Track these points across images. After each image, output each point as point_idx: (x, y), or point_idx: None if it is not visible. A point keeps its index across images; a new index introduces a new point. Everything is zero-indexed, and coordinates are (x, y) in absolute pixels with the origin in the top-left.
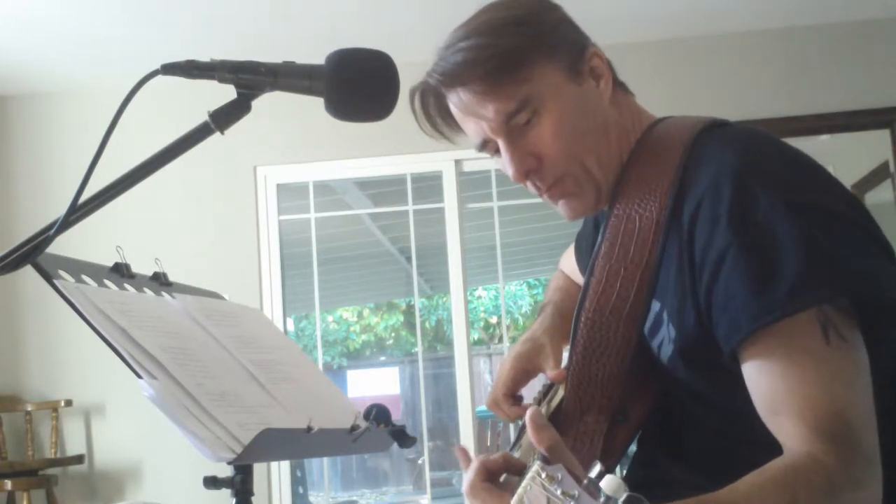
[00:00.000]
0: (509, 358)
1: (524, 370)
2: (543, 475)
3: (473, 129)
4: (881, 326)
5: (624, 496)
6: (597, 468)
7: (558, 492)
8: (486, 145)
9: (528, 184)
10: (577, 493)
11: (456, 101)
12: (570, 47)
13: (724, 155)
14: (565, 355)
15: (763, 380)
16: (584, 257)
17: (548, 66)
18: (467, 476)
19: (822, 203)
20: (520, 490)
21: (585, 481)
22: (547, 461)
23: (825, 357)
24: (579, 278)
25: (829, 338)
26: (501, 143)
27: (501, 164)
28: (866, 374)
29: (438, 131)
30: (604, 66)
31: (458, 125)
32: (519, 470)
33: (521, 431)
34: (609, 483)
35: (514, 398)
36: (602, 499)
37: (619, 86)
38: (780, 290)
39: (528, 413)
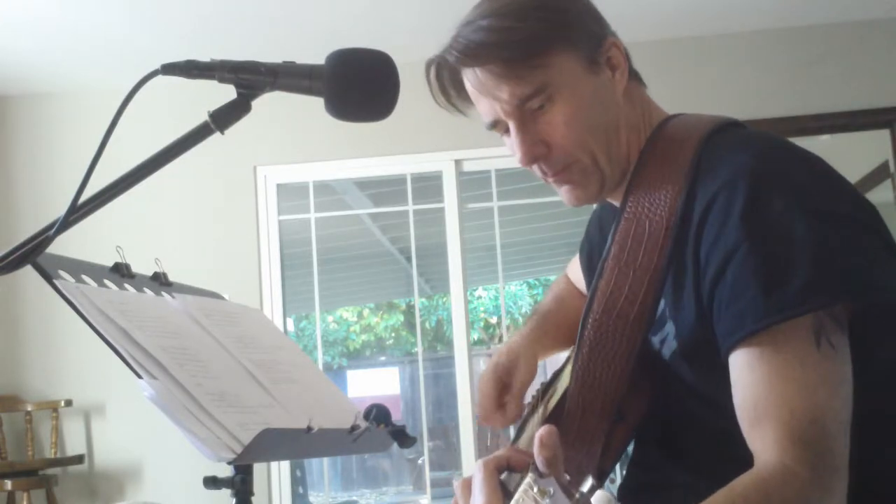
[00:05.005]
0: (489, 370)
1: (502, 382)
2: (535, 489)
3: (486, 108)
4: (881, 333)
5: None
6: (588, 483)
7: None
8: (497, 125)
9: (535, 168)
10: None
11: (472, 78)
12: (591, 36)
13: (740, 157)
14: (562, 356)
15: (748, 377)
16: (586, 263)
17: (567, 54)
18: (490, 456)
19: (835, 208)
20: (512, 503)
21: (577, 496)
22: (540, 474)
23: (814, 363)
24: (583, 287)
25: (820, 344)
26: (513, 127)
27: (510, 146)
28: (849, 384)
29: (452, 104)
30: (621, 58)
31: (471, 100)
32: (523, 465)
33: (519, 432)
34: (599, 499)
35: (502, 407)
36: None
37: (633, 76)
38: (786, 293)
39: (541, 432)
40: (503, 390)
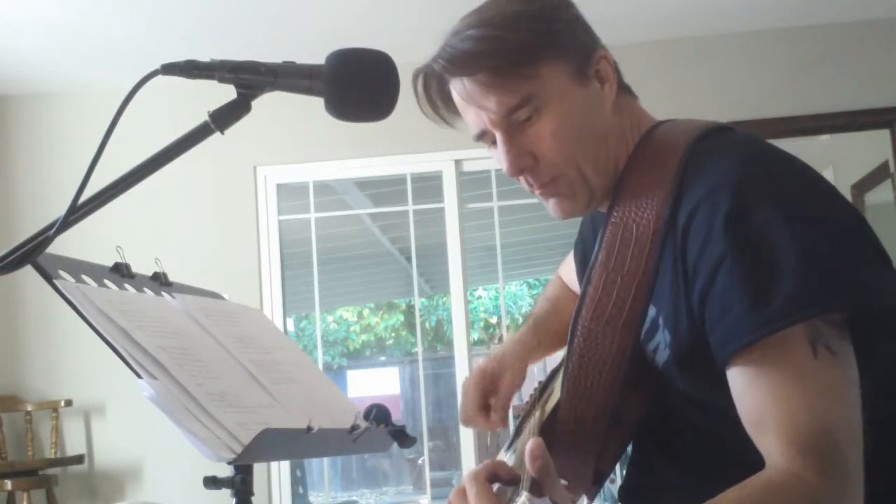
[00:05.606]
0: (476, 373)
1: (486, 389)
2: None
3: (473, 118)
4: (880, 335)
5: None
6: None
7: None
8: (484, 136)
9: (521, 179)
10: None
11: (459, 88)
12: (580, 48)
13: (723, 164)
14: (559, 355)
15: (749, 393)
16: (580, 263)
17: (555, 66)
18: (476, 468)
19: (820, 215)
20: None
21: None
22: (535, 492)
23: (812, 372)
24: (576, 286)
25: (818, 352)
26: (499, 137)
27: (497, 157)
28: (855, 388)
29: (438, 115)
30: (610, 70)
31: (458, 111)
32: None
33: (517, 432)
34: None
35: (485, 409)
36: None
37: (623, 88)
38: (774, 303)
39: (530, 445)
40: (486, 395)
